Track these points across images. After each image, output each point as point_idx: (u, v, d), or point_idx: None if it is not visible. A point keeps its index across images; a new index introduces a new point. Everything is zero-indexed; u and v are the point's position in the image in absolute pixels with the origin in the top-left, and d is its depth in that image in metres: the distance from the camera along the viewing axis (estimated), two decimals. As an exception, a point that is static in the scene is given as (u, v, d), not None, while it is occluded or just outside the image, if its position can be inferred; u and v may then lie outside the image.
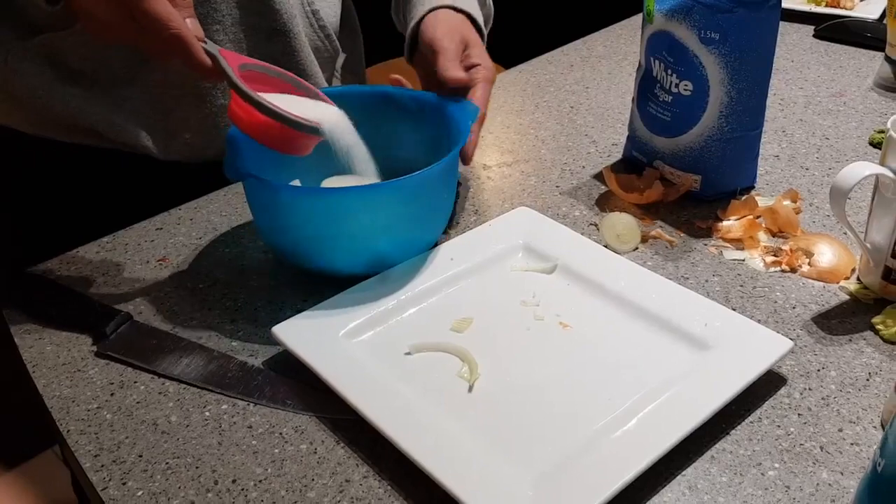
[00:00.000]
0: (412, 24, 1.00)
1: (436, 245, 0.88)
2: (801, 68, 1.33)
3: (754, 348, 0.73)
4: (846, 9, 1.51)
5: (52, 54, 0.96)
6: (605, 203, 0.99)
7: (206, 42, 0.74)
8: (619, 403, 0.69)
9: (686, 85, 0.94)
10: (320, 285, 0.84)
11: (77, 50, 0.96)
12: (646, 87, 1.00)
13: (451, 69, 0.92)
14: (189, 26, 0.72)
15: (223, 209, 1.00)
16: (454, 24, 0.98)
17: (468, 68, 0.95)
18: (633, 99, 1.05)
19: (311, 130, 0.77)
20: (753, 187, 1.01)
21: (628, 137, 1.07)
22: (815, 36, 1.45)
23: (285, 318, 0.78)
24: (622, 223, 0.91)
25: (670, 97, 0.96)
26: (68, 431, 0.71)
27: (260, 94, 0.74)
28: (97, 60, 0.97)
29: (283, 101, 0.77)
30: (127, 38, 0.73)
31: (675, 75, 0.95)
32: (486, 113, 0.96)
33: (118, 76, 0.98)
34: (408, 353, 0.76)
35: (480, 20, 1.03)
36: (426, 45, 0.96)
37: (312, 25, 1.07)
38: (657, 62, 0.97)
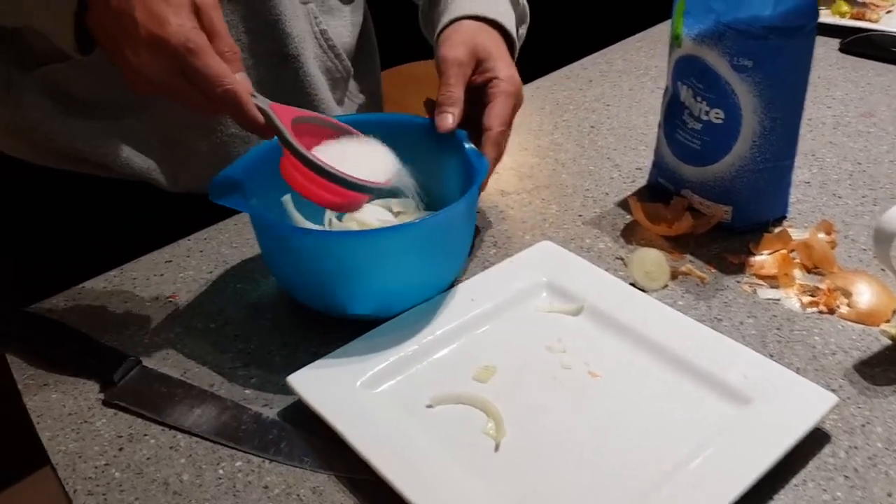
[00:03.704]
0: (435, 37, 0.95)
1: (454, 284, 0.85)
2: (828, 86, 1.29)
3: (797, 403, 0.69)
4: (871, 21, 1.47)
5: (55, 86, 0.92)
6: (630, 234, 0.95)
7: (255, 96, 0.71)
8: (655, 466, 0.65)
9: (717, 113, 0.90)
10: (336, 324, 0.81)
11: (81, 81, 0.92)
12: (673, 112, 0.96)
13: (443, 111, 0.85)
14: (239, 80, 0.69)
15: (233, 240, 0.97)
16: (465, 38, 0.90)
17: (485, 83, 0.89)
18: (659, 124, 1.01)
19: (371, 190, 0.75)
20: (785, 217, 0.97)
21: (654, 163, 1.03)
22: (840, 50, 1.41)
23: (300, 363, 0.75)
24: (651, 259, 0.87)
25: (700, 125, 0.92)
26: (75, 492, 0.67)
27: (313, 151, 0.72)
28: (102, 91, 0.93)
29: (336, 154, 0.74)
30: (175, 94, 0.70)
31: (705, 102, 0.91)
32: (507, 131, 0.89)
33: (124, 107, 0.95)
34: (429, 406, 0.72)
35: (508, 23, 0.96)
36: (436, 65, 0.90)
37: (322, 46, 1.03)
38: (685, 88, 0.93)
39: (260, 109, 0.71)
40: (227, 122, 0.99)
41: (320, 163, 0.71)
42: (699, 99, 0.91)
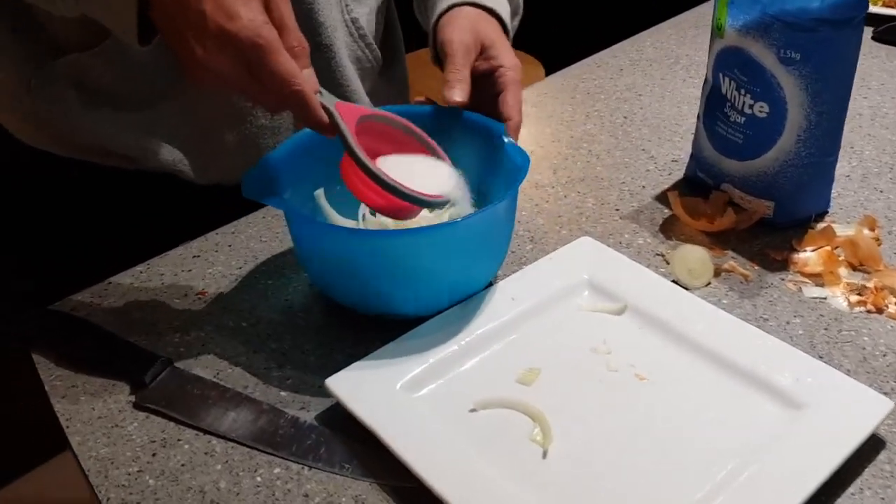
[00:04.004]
0: (431, 23, 0.94)
1: (493, 282, 0.82)
2: (863, 76, 1.26)
3: (852, 409, 0.67)
4: (905, 8, 1.44)
5: (78, 76, 0.89)
6: (669, 230, 0.93)
7: (321, 93, 0.69)
8: (708, 474, 0.63)
9: (761, 106, 0.87)
10: (371, 324, 0.79)
11: (105, 71, 0.89)
12: (714, 104, 0.94)
13: (452, 86, 0.84)
14: (306, 77, 0.67)
15: (263, 234, 0.94)
16: (468, 24, 0.89)
17: (490, 70, 0.87)
18: (698, 116, 0.98)
19: (429, 204, 0.74)
20: (827, 212, 0.95)
21: (692, 156, 1.00)
22: (873, 38, 1.38)
23: (335, 363, 0.73)
24: (694, 257, 0.85)
25: (743, 118, 0.89)
26: (108, 500, 0.65)
27: (370, 158, 0.70)
28: (127, 81, 0.90)
29: (395, 163, 0.73)
30: (239, 88, 0.68)
31: (749, 95, 0.88)
32: (521, 119, 0.87)
33: (150, 97, 0.92)
34: (473, 410, 0.70)
35: (505, 14, 0.95)
36: (439, 48, 0.89)
37: (353, 35, 1.01)
38: (727, 79, 0.90)
39: (325, 109, 0.69)
40: (257, 114, 0.96)
41: (379, 172, 0.69)
42: (743, 92, 0.89)
